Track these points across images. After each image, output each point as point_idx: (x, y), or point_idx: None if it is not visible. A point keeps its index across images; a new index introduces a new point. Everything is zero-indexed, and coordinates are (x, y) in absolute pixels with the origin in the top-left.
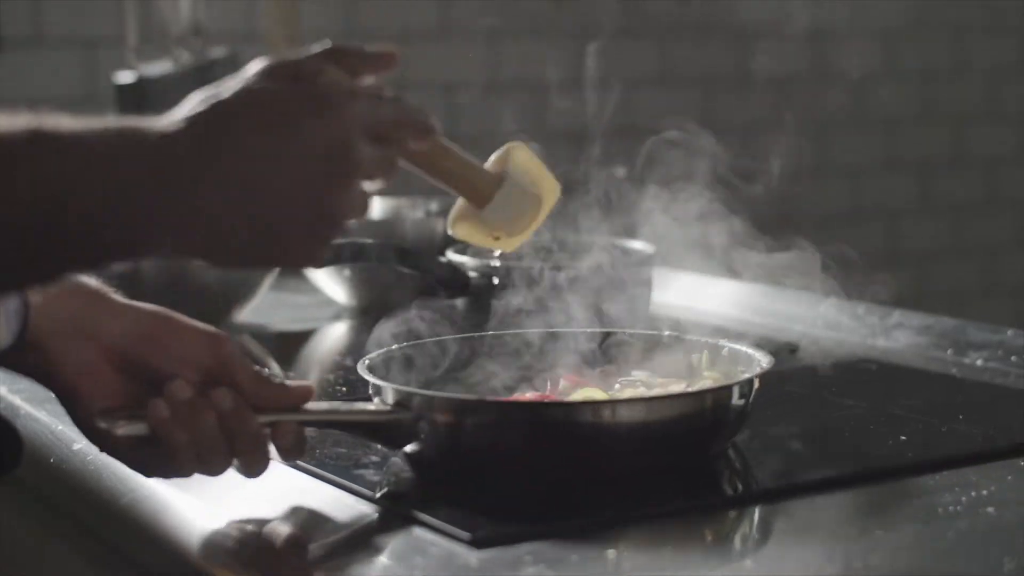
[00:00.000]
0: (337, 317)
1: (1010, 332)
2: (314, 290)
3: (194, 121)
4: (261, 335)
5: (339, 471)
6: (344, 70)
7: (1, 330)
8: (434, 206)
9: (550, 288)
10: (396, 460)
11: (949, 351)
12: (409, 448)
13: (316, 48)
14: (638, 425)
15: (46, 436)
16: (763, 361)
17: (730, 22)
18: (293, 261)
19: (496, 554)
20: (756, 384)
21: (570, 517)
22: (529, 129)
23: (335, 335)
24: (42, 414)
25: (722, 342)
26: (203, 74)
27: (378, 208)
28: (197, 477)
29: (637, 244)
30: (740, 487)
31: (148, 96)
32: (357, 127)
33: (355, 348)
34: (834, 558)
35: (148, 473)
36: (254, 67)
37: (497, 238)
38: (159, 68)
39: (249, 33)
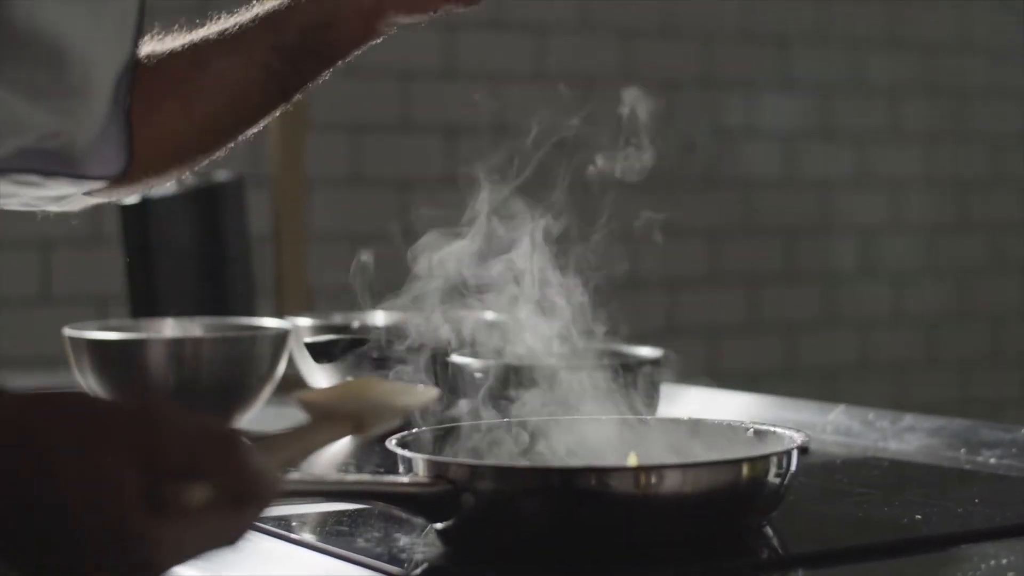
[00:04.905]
0: None
1: (1023, 431)
2: None
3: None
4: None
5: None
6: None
7: None
8: (437, 316)
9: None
10: (429, 535)
11: (962, 450)
12: (441, 525)
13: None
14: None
15: None
16: (798, 438)
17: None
18: None
19: None
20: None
21: None
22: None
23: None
24: None
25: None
26: (207, 197)
27: (381, 316)
28: None
29: (644, 350)
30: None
31: (152, 217)
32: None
33: (356, 453)
34: None
35: None
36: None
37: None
38: (163, 190)
39: (254, 157)
